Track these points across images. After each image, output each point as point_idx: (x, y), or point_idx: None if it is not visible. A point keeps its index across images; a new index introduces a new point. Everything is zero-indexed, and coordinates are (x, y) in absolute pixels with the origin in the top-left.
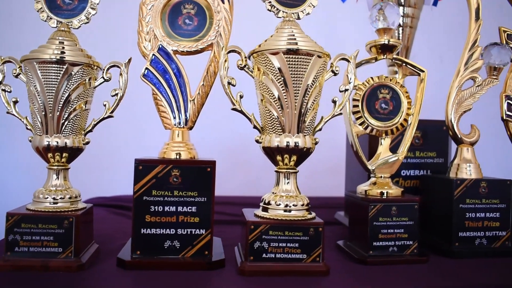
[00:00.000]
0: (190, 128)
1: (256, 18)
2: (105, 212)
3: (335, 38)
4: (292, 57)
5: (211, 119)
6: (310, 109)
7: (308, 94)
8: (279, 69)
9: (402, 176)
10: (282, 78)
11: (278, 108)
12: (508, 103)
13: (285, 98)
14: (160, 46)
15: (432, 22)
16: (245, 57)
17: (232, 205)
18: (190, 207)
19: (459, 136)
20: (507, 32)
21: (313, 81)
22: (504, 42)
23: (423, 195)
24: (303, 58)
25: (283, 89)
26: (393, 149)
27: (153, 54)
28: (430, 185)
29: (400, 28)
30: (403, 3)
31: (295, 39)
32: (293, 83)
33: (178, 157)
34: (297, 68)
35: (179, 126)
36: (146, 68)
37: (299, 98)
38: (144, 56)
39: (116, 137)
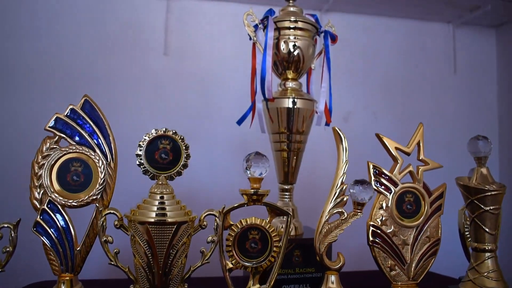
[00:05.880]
0: (77, 273)
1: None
2: None
3: None
4: (157, 227)
5: None
6: (175, 267)
7: (172, 255)
8: (145, 236)
9: None
10: (148, 244)
11: (146, 268)
12: (372, 230)
13: (151, 261)
14: (50, 200)
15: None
16: (121, 218)
17: None
18: None
19: (326, 264)
20: (373, 165)
21: (177, 243)
22: (372, 176)
23: None
24: (167, 227)
25: (149, 253)
26: None
27: (43, 208)
28: None
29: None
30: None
31: (164, 208)
32: (158, 248)
33: None
34: (161, 235)
35: (66, 273)
36: (37, 222)
37: (163, 260)
38: (36, 210)
39: None
